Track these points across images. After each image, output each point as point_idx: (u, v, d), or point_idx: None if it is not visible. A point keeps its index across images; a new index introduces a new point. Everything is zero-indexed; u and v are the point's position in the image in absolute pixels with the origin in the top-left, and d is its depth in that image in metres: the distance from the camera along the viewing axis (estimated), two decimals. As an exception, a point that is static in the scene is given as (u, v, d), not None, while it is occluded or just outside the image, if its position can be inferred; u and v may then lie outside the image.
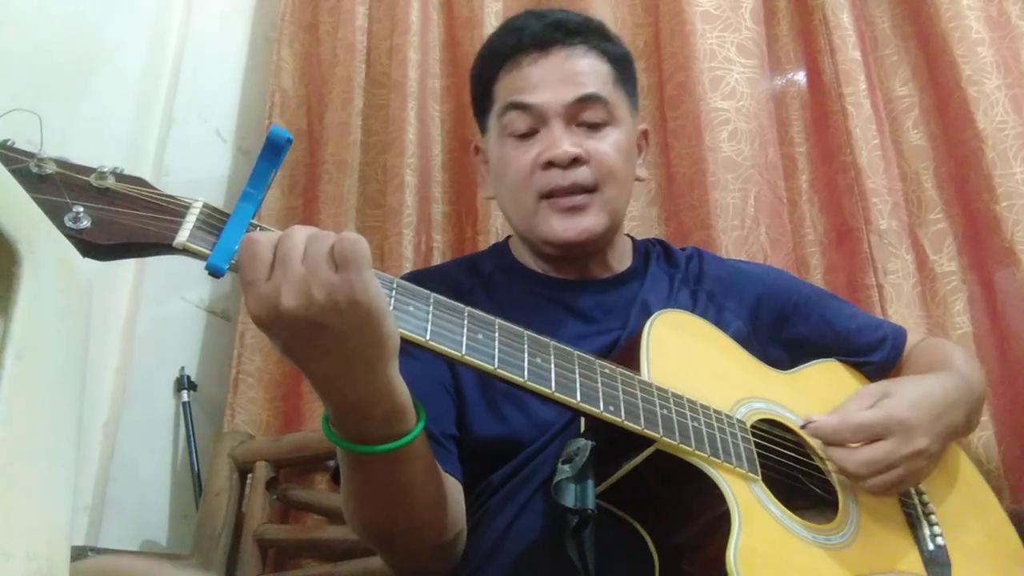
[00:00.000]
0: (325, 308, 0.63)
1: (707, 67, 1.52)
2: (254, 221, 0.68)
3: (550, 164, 1.00)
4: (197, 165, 1.77)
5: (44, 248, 0.48)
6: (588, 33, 1.07)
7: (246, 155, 1.92)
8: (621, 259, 1.12)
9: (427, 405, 0.76)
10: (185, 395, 1.62)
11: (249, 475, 1.54)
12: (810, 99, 1.60)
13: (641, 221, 1.56)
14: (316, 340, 0.65)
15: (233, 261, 0.66)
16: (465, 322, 0.73)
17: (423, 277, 1.12)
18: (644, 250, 1.16)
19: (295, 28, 1.97)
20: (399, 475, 0.75)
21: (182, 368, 1.64)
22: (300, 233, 0.65)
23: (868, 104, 1.47)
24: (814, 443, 0.92)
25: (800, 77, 1.62)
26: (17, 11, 1.36)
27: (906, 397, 0.91)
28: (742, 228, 1.44)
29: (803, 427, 0.91)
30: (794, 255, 1.49)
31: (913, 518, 0.93)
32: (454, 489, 0.89)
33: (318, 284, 0.63)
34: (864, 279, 1.41)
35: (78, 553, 1.28)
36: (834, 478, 0.90)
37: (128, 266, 1.56)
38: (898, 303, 1.36)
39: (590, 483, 0.78)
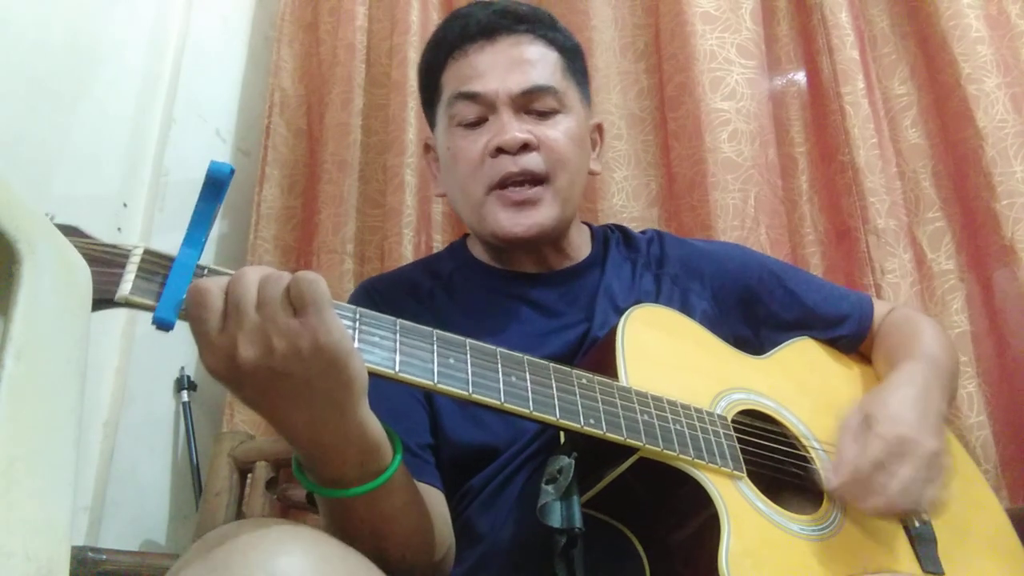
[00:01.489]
0: (287, 356, 0.60)
1: (707, 68, 1.52)
2: (201, 263, 0.64)
3: (499, 151, 0.98)
4: (197, 165, 1.75)
5: (44, 248, 0.48)
6: (535, 21, 1.05)
7: (246, 155, 1.92)
8: (579, 248, 1.10)
9: (399, 418, 0.74)
10: (185, 395, 1.62)
11: (249, 475, 1.54)
12: (809, 99, 1.60)
13: (642, 222, 1.56)
14: (280, 389, 0.62)
15: (183, 311, 0.61)
16: (435, 347, 0.70)
17: (384, 282, 1.11)
18: (603, 236, 1.14)
19: (295, 28, 1.97)
20: (380, 511, 0.73)
21: (182, 368, 1.65)
22: (251, 275, 0.62)
23: (866, 103, 1.47)
24: (796, 430, 0.92)
25: (799, 77, 1.62)
26: (17, 10, 1.36)
27: (889, 414, 0.87)
28: (742, 228, 1.44)
29: (831, 495, 0.86)
30: (794, 255, 1.50)
31: None
32: (438, 504, 0.88)
33: (277, 331, 0.60)
34: (862, 278, 1.41)
35: (78, 553, 1.28)
36: (817, 464, 0.90)
37: (128, 266, 1.56)
38: (896, 302, 1.36)
39: (575, 500, 0.76)
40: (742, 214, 1.45)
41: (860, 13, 1.57)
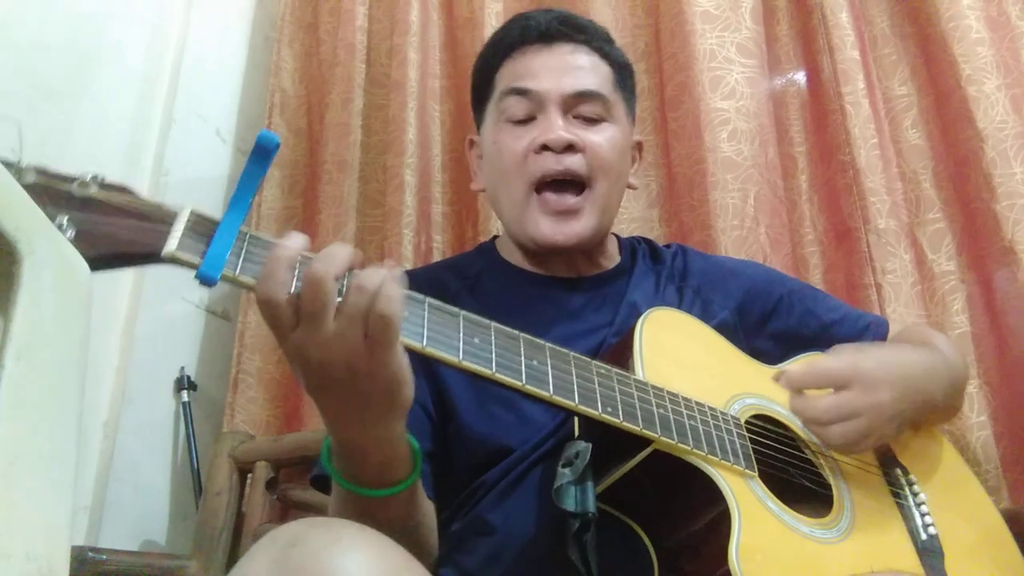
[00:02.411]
0: (346, 369, 0.66)
1: (707, 67, 1.52)
2: (243, 228, 0.67)
3: (544, 148, 1.01)
4: (197, 165, 1.77)
5: (44, 248, 0.48)
6: (592, 33, 1.10)
7: (246, 155, 1.91)
8: (609, 257, 1.13)
9: None
10: (185, 395, 1.62)
11: (249, 475, 1.54)
12: (809, 99, 1.60)
13: (642, 222, 1.56)
14: (335, 390, 0.68)
15: (226, 272, 0.64)
16: (461, 326, 0.73)
17: (412, 279, 1.12)
18: (630, 248, 1.16)
19: (295, 28, 1.97)
20: (385, 514, 0.77)
21: (182, 368, 1.64)
22: (331, 285, 0.64)
23: (867, 103, 1.47)
24: (806, 436, 0.92)
25: (799, 77, 1.62)
26: (17, 10, 1.36)
27: (875, 355, 0.93)
28: (742, 228, 1.44)
29: (776, 377, 0.93)
30: (793, 255, 1.49)
31: (905, 509, 0.93)
32: (429, 516, 0.90)
33: (344, 346, 0.65)
34: (863, 278, 1.41)
35: (78, 553, 1.28)
36: (827, 472, 0.90)
37: (128, 266, 1.56)
38: (896, 302, 1.36)
39: (590, 485, 0.77)
40: (741, 213, 1.45)
41: (860, 13, 1.57)
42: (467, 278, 1.10)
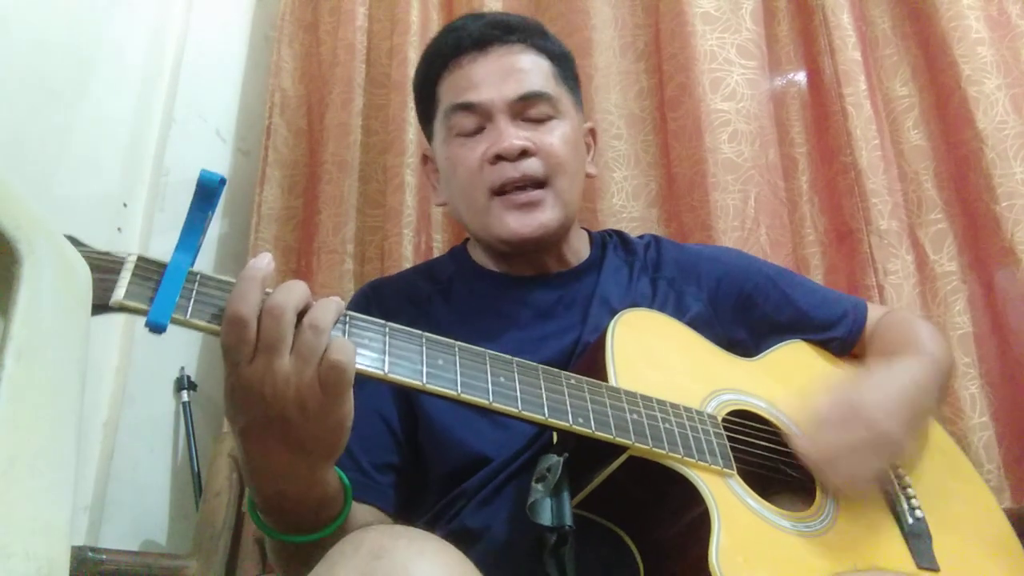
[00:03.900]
0: (293, 404, 0.65)
1: (707, 68, 1.52)
2: (194, 269, 0.66)
3: (498, 158, 1.00)
4: (197, 165, 1.75)
5: (44, 248, 0.48)
6: (525, 31, 1.08)
7: (246, 155, 1.92)
8: (578, 252, 1.12)
9: (357, 435, 0.76)
10: (185, 395, 1.62)
11: (249, 475, 1.54)
12: (810, 100, 1.60)
13: (642, 222, 1.56)
14: (280, 428, 0.66)
15: (176, 316, 0.63)
16: (423, 348, 0.72)
17: (385, 286, 1.13)
18: (601, 241, 1.15)
19: (295, 28, 1.97)
20: (323, 552, 0.75)
21: (182, 368, 1.64)
22: (291, 316, 0.64)
23: (868, 104, 1.47)
24: (787, 429, 0.92)
25: (800, 78, 1.62)
26: (17, 10, 1.36)
27: (871, 386, 0.91)
28: (742, 229, 1.44)
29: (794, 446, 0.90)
30: (794, 256, 1.49)
31: (890, 494, 0.92)
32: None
33: (300, 385, 0.64)
34: (864, 279, 1.41)
35: (78, 553, 1.28)
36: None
37: (128, 266, 1.56)
38: (898, 303, 1.36)
39: (566, 497, 0.77)
40: (742, 215, 1.45)
41: (861, 14, 1.57)
42: (439, 283, 1.10)
